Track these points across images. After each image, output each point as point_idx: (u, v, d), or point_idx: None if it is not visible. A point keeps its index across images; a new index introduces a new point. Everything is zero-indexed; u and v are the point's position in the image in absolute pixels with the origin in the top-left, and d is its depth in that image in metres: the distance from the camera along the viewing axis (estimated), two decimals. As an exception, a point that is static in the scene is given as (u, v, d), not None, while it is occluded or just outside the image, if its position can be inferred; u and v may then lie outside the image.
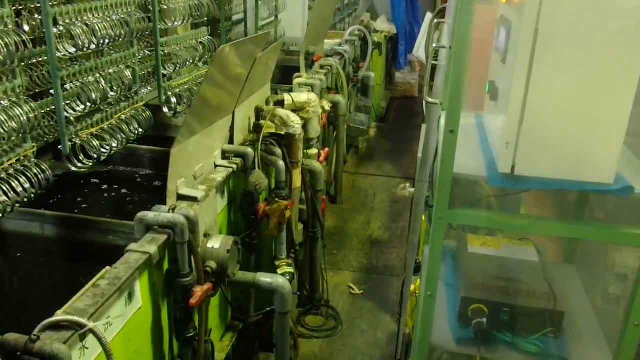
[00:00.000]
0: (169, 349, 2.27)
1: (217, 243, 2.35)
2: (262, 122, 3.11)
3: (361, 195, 6.37)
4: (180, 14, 3.37)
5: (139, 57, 3.19)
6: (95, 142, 2.66)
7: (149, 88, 3.37)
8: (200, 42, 3.64)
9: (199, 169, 2.52)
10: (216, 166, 2.74)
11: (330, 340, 4.08)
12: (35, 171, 2.30)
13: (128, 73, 2.88)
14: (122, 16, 2.74)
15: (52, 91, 2.54)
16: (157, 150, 3.22)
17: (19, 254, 2.50)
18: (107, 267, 1.86)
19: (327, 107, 4.10)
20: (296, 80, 4.32)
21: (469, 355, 2.23)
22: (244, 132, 3.11)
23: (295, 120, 3.16)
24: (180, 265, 2.15)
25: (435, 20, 2.71)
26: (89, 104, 2.58)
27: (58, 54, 2.40)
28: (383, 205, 6.14)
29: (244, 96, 2.97)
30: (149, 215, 2.11)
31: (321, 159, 3.91)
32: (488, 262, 2.40)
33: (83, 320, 1.57)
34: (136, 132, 2.98)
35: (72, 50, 2.44)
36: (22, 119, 2.17)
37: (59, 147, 2.57)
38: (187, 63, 3.50)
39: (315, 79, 4.38)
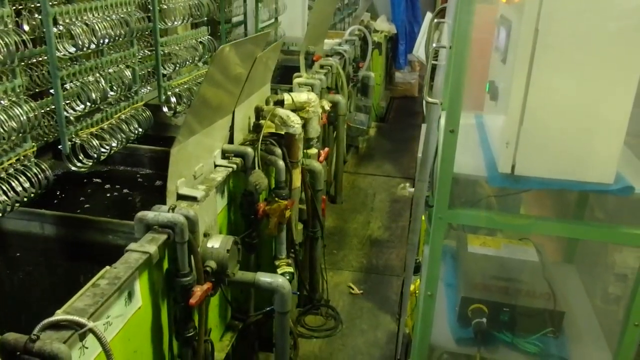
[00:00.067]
0: (168, 348, 2.27)
1: (216, 243, 2.35)
2: (262, 121, 3.11)
3: (361, 195, 6.37)
4: (180, 14, 3.37)
5: (139, 56, 3.19)
6: (95, 142, 2.66)
7: (148, 88, 3.37)
8: (200, 42, 3.64)
9: (198, 169, 2.52)
10: (216, 166, 2.74)
11: (330, 340, 4.08)
12: (35, 171, 2.30)
13: (128, 73, 2.88)
14: (122, 16, 2.74)
15: (52, 91, 2.54)
16: (157, 149, 3.22)
17: (18, 254, 2.49)
18: (107, 267, 1.86)
19: (327, 106, 4.10)
20: (296, 80, 4.31)
21: (469, 355, 2.23)
22: (243, 132, 3.11)
23: (295, 120, 3.16)
24: (180, 264, 2.15)
25: (435, 20, 2.71)
26: (88, 104, 2.58)
27: (58, 54, 2.40)
28: (383, 205, 6.14)
29: (244, 96, 2.97)
30: (149, 214, 2.11)
31: (321, 158, 3.90)
32: (488, 262, 2.40)
33: (83, 320, 1.57)
34: (136, 131, 2.98)
35: (72, 49, 2.44)
36: (22, 118, 2.17)
37: (59, 146, 2.57)
38: (187, 63, 3.50)
39: (315, 78, 4.38)
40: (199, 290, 2.17)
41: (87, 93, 2.57)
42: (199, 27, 3.73)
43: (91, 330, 1.57)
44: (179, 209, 2.16)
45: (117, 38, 2.69)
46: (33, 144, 2.34)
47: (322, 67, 4.96)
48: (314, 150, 3.78)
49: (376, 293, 4.64)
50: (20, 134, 2.20)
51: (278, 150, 3.06)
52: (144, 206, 2.19)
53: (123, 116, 2.93)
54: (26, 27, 2.56)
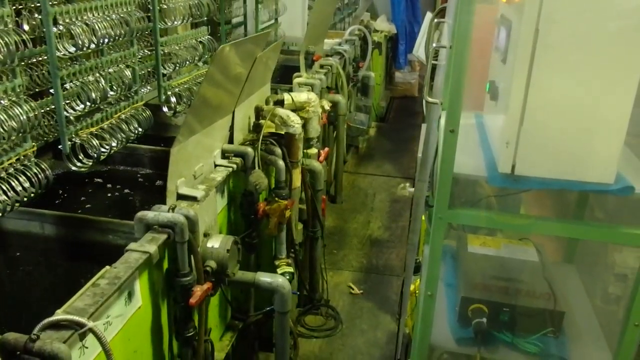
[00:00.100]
0: (168, 348, 2.27)
1: (216, 242, 2.35)
2: (262, 121, 3.11)
3: (361, 194, 6.37)
4: (180, 14, 3.37)
5: (139, 56, 3.19)
6: (95, 142, 2.66)
7: (148, 87, 3.37)
8: (200, 42, 3.64)
9: (198, 169, 2.52)
10: (216, 166, 2.74)
11: (330, 340, 4.08)
12: (35, 170, 2.30)
13: (128, 72, 2.88)
14: (122, 15, 2.74)
15: (52, 90, 2.54)
16: (157, 149, 3.22)
17: (18, 253, 2.49)
18: (107, 267, 1.86)
19: (327, 106, 4.09)
20: (296, 80, 4.31)
21: (469, 355, 2.23)
22: (243, 132, 3.11)
23: (295, 120, 3.16)
24: (180, 264, 2.15)
25: (435, 20, 2.71)
26: (88, 104, 2.58)
27: (58, 54, 2.40)
28: (383, 205, 6.14)
29: (244, 96, 2.97)
30: (149, 214, 2.11)
31: (321, 158, 3.90)
32: (488, 262, 2.40)
33: (83, 320, 1.57)
34: (136, 131, 2.98)
35: (72, 49, 2.44)
36: (22, 118, 2.16)
37: (59, 146, 2.57)
38: (187, 62, 3.50)
39: (315, 78, 4.38)
40: (199, 290, 2.17)
41: (87, 93, 2.57)
42: (199, 27, 3.73)
43: (91, 330, 1.57)
44: (179, 209, 2.16)
45: (117, 38, 2.69)
46: (33, 143, 2.34)
47: (322, 67, 4.96)
48: (314, 150, 3.78)
49: (376, 293, 4.64)
50: (20, 134, 2.19)
51: (278, 150, 3.06)
52: (144, 206, 2.19)
53: (123, 116, 2.93)
54: (26, 27, 2.55)
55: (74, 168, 2.61)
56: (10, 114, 2.13)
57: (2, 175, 2.17)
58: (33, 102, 2.26)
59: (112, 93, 2.75)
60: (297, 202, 3.52)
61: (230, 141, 2.93)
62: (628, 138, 1.75)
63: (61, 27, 2.40)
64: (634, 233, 1.86)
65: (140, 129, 3.01)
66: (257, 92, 3.25)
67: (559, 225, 2.01)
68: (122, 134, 2.86)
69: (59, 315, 1.58)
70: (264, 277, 2.59)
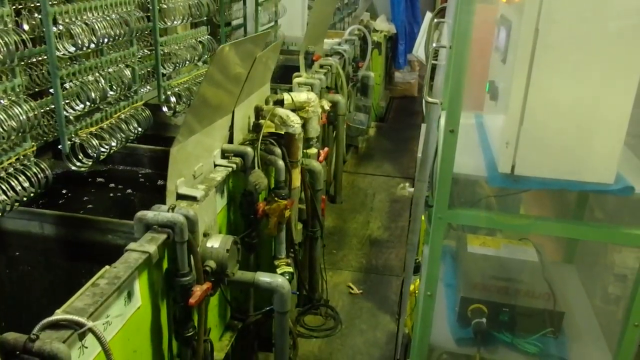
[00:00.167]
0: (168, 348, 2.27)
1: (216, 242, 2.35)
2: (261, 121, 3.11)
3: (360, 194, 6.37)
4: (180, 13, 3.36)
5: (139, 56, 3.19)
6: (95, 141, 2.66)
7: (148, 87, 3.36)
8: (200, 42, 3.64)
9: (198, 169, 2.52)
10: (216, 165, 2.74)
11: (329, 340, 4.08)
12: (35, 170, 2.30)
13: (127, 72, 2.88)
14: (122, 15, 2.73)
15: (51, 90, 2.53)
16: (157, 149, 3.21)
17: (18, 253, 2.49)
18: (107, 267, 1.86)
19: (327, 106, 4.09)
20: (296, 80, 4.31)
21: (469, 356, 2.23)
22: (243, 132, 3.10)
23: (294, 120, 3.16)
24: (179, 264, 2.15)
25: (435, 20, 2.71)
26: (88, 103, 2.58)
27: (58, 53, 2.39)
28: (382, 205, 6.14)
29: (244, 95, 2.97)
30: (149, 214, 2.10)
31: (321, 158, 3.90)
32: (487, 262, 2.40)
33: (82, 320, 1.57)
34: (135, 131, 2.98)
35: (72, 49, 2.44)
36: (21, 118, 2.16)
37: (59, 146, 2.57)
38: (187, 62, 3.50)
39: (315, 78, 4.38)
40: (198, 290, 2.17)
41: (87, 92, 2.56)
42: (199, 27, 3.73)
43: (91, 330, 1.57)
44: (178, 209, 2.16)
45: (116, 37, 2.68)
46: (33, 143, 2.33)
47: (321, 66, 4.96)
48: (313, 150, 3.78)
49: (376, 293, 4.64)
50: (20, 134, 2.19)
51: (278, 150, 3.06)
52: (144, 206, 2.19)
53: (123, 116, 2.93)
54: (26, 27, 2.55)
55: (73, 168, 2.60)
56: (10, 113, 2.13)
57: (1, 175, 2.17)
58: (33, 102, 2.25)
59: (111, 93, 2.75)
60: (296, 202, 3.52)
61: (230, 141, 2.93)
62: (628, 138, 1.75)
63: (61, 27, 2.39)
64: (634, 233, 1.86)
65: (139, 129, 3.01)
66: (257, 92, 3.25)
67: (558, 225, 2.01)
68: (121, 134, 2.86)
69: (59, 315, 1.58)
70: (264, 277, 2.59)
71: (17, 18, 2.51)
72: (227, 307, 2.96)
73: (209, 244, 2.34)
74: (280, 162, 3.03)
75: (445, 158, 1.89)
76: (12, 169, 2.22)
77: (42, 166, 2.34)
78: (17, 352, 1.48)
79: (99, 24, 2.54)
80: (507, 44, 1.87)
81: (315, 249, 4.09)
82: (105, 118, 2.80)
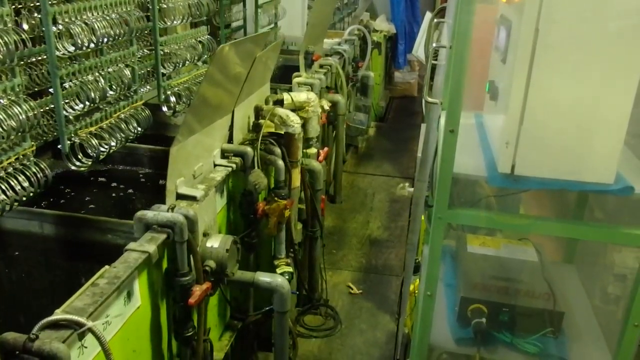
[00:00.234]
0: (167, 348, 2.27)
1: (216, 242, 2.35)
2: (261, 121, 3.11)
3: (360, 194, 6.37)
4: (180, 13, 3.36)
5: (139, 56, 3.19)
6: (95, 141, 2.66)
7: (148, 87, 3.36)
8: (200, 41, 3.64)
9: (198, 168, 2.52)
10: (215, 165, 2.74)
11: (329, 340, 4.08)
12: (34, 170, 2.30)
13: (127, 72, 2.87)
14: (122, 15, 2.73)
15: (51, 90, 2.53)
16: (157, 149, 3.21)
17: (17, 253, 2.49)
18: (106, 266, 1.86)
19: (327, 106, 4.09)
20: (295, 80, 4.31)
21: (468, 356, 2.23)
22: (243, 132, 3.10)
23: (294, 120, 3.16)
24: (179, 264, 2.14)
25: (435, 20, 2.71)
26: (88, 103, 2.58)
27: (57, 53, 2.39)
28: (382, 205, 6.14)
29: (244, 95, 2.97)
30: (148, 214, 2.10)
31: (320, 158, 3.90)
32: (487, 262, 2.40)
33: (82, 319, 1.57)
34: (135, 131, 2.98)
35: (72, 49, 2.44)
36: (21, 117, 2.16)
37: (58, 145, 2.57)
38: (187, 62, 3.50)
39: (315, 78, 4.38)
40: (198, 290, 2.17)
41: (87, 92, 2.56)
42: (199, 27, 3.73)
43: (90, 330, 1.57)
44: (178, 209, 2.16)
45: (116, 37, 2.68)
46: (32, 143, 2.33)
47: (321, 66, 4.96)
48: (313, 150, 3.78)
49: (375, 293, 4.64)
50: (20, 133, 2.19)
51: (277, 150, 3.06)
52: (143, 205, 2.19)
53: (122, 115, 2.92)
54: (25, 26, 2.55)
55: (73, 167, 2.60)
56: (10, 113, 2.13)
57: (1, 174, 2.17)
58: (32, 102, 2.25)
59: (111, 92, 2.75)
60: (296, 201, 3.52)
61: (230, 141, 2.93)
62: (628, 138, 1.75)
63: (60, 27, 2.39)
64: (634, 233, 1.86)
65: (139, 129, 3.01)
66: (257, 92, 3.25)
67: (558, 225, 2.01)
68: (121, 134, 2.86)
69: (58, 314, 1.58)
70: (263, 277, 2.59)
71: (16, 18, 2.51)
72: (227, 307, 2.96)
73: (208, 244, 2.34)
74: (280, 162, 3.03)
75: (445, 158, 1.89)
76: (11, 168, 2.22)
77: (42, 166, 2.34)
78: (17, 352, 1.48)
79: (98, 24, 2.53)
80: (507, 44, 1.87)
81: (315, 249, 4.09)
82: (105, 118, 2.80)
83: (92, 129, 2.70)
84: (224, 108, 2.78)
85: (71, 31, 2.41)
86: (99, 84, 2.64)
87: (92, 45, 2.52)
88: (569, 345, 2.21)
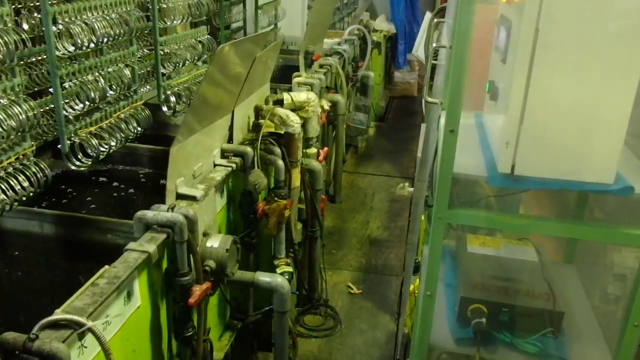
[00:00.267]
0: (167, 348, 2.27)
1: (216, 242, 2.35)
2: (261, 121, 3.11)
3: (360, 194, 6.37)
4: (180, 13, 3.36)
5: (138, 56, 3.19)
6: (94, 141, 2.66)
7: (148, 87, 3.36)
8: (200, 41, 3.64)
9: (198, 168, 2.52)
10: (215, 165, 2.74)
11: (329, 340, 4.08)
12: (34, 170, 2.30)
13: (127, 72, 2.87)
14: (122, 15, 2.73)
15: (51, 90, 2.53)
16: (156, 149, 3.21)
17: (17, 253, 2.49)
18: (106, 266, 1.86)
19: (327, 106, 4.09)
20: (295, 80, 4.31)
21: (468, 356, 2.23)
22: (243, 131, 3.10)
23: (294, 120, 3.16)
24: (179, 264, 2.14)
25: (435, 20, 2.71)
26: (88, 103, 2.58)
27: (57, 53, 2.39)
28: (382, 205, 6.14)
29: (244, 95, 2.97)
30: (148, 214, 2.10)
31: (320, 158, 3.90)
32: (487, 262, 2.40)
33: (82, 319, 1.57)
34: (135, 130, 2.98)
35: (71, 48, 2.44)
36: (21, 117, 2.16)
37: (58, 145, 2.57)
38: (187, 62, 3.50)
39: (315, 78, 4.38)
40: (198, 290, 2.17)
41: (87, 92, 2.56)
42: (199, 27, 3.72)
43: (90, 330, 1.57)
44: (178, 208, 2.15)
45: (116, 37, 2.68)
46: (32, 143, 2.33)
47: (321, 66, 4.96)
48: (313, 150, 3.77)
49: (375, 293, 4.64)
50: (20, 133, 2.19)
51: (277, 150, 3.06)
52: (143, 205, 2.19)
53: (122, 115, 2.92)
54: (25, 26, 2.55)
55: (73, 167, 2.60)
56: (10, 113, 2.13)
57: (1, 174, 2.17)
58: (32, 102, 2.25)
59: (111, 92, 2.75)
60: (296, 201, 3.52)
61: (230, 141, 2.93)
62: (628, 138, 1.75)
63: (60, 27, 2.39)
64: (634, 233, 1.86)
65: (139, 129, 3.01)
66: (257, 92, 3.25)
67: (558, 225, 2.01)
68: (121, 134, 2.86)
69: (58, 314, 1.57)
70: (263, 277, 2.59)
71: (16, 17, 2.51)
72: (227, 307, 2.96)
73: (208, 244, 2.34)
74: (280, 162, 3.03)
75: (445, 158, 1.89)
76: (11, 168, 2.22)
77: (42, 166, 2.34)
78: (17, 352, 1.48)
79: (98, 24, 2.54)
80: (507, 44, 1.87)
81: (314, 249, 4.09)
82: (105, 117, 2.80)
83: (92, 128, 2.70)
84: (224, 108, 2.78)
85: (71, 31, 2.41)
86: (99, 83, 2.64)
87: (92, 45, 2.52)
88: (569, 345, 2.21)
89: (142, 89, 3.20)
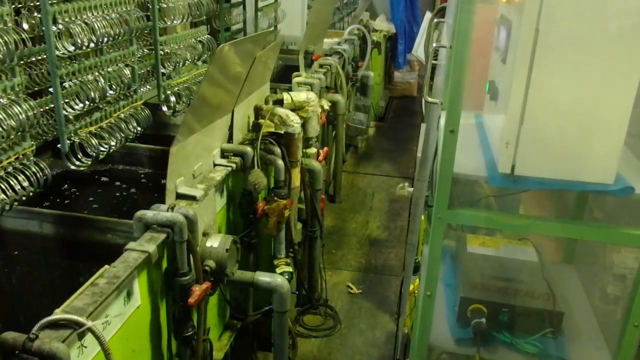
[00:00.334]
0: (167, 348, 2.27)
1: (215, 242, 2.35)
2: (261, 121, 3.11)
3: (360, 194, 6.37)
4: (180, 13, 3.36)
5: (138, 55, 3.19)
6: (94, 141, 2.66)
7: (148, 87, 3.36)
8: (200, 41, 3.64)
9: (198, 168, 2.52)
10: (215, 165, 2.74)
11: (328, 340, 4.08)
12: (34, 169, 2.30)
13: (127, 71, 2.87)
14: (121, 14, 2.73)
15: (51, 89, 2.53)
16: (156, 149, 3.21)
17: (17, 252, 2.49)
18: (106, 266, 1.86)
19: (326, 106, 4.09)
20: (295, 79, 4.31)
21: (468, 356, 2.22)
22: (243, 131, 3.10)
23: (294, 120, 3.16)
24: (179, 264, 2.14)
25: (435, 20, 2.71)
26: (87, 103, 2.58)
27: (57, 53, 2.39)
28: (382, 205, 6.14)
29: (243, 95, 2.97)
30: (148, 214, 2.10)
31: (320, 158, 3.90)
32: (487, 262, 2.40)
33: (81, 319, 1.56)
34: (135, 130, 2.98)
35: (71, 48, 2.44)
36: (21, 117, 2.16)
37: (58, 145, 2.57)
38: (187, 62, 3.50)
39: (315, 78, 4.38)
40: (197, 290, 2.17)
41: (86, 92, 2.56)
42: (199, 26, 3.72)
43: (90, 330, 1.57)
44: (178, 208, 2.15)
45: (116, 37, 2.68)
46: (32, 142, 2.33)
47: (321, 66, 4.96)
48: (313, 150, 3.77)
49: (375, 293, 4.64)
50: (19, 133, 2.19)
51: (277, 150, 3.06)
52: (143, 205, 2.19)
53: (122, 115, 2.92)
54: (25, 26, 2.55)
55: (72, 167, 2.60)
56: (10, 112, 2.13)
57: (1, 174, 2.17)
58: (32, 101, 2.25)
59: (111, 92, 2.75)
60: (296, 201, 3.52)
61: (230, 140, 2.93)
62: (628, 138, 1.75)
63: (60, 26, 2.39)
64: (634, 233, 1.86)
65: (139, 128, 3.01)
66: (257, 92, 3.25)
67: (558, 225, 2.01)
68: (121, 133, 2.86)
69: (58, 314, 1.57)
70: (263, 277, 2.59)
71: (16, 17, 2.50)
72: (227, 307, 2.96)
73: (208, 244, 2.34)
74: (280, 162, 3.03)
75: (445, 158, 1.89)
76: (11, 168, 2.22)
77: (42, 165, 2.34)
78: (17, 352, 1.48)
79: (98, 23, 2.53)
80: (507, 44, 1.87)
81: (314, 249, 4.09)
82: (105, 117, 2.80)
83: (92, 128, 2.70)
84: (224, 108, 2.78)
85: (71, 31, 2.41)
86: (99, 83, 2.63)
87: (92, 44, 2.52)
88: (569, 345, 2.21)
89: (142, 89, 3.20)
